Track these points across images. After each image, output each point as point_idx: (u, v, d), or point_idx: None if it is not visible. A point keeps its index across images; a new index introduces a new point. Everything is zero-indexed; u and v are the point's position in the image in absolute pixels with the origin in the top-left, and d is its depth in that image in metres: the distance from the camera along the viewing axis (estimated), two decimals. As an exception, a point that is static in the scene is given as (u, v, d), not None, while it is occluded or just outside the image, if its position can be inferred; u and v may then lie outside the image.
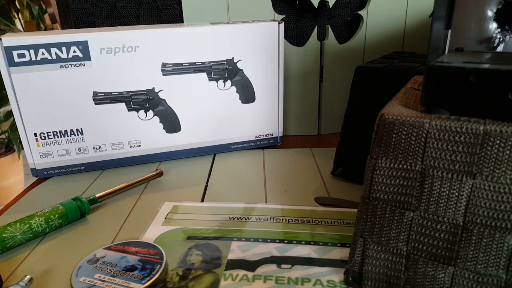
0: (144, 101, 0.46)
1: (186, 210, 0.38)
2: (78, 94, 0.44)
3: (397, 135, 0.24)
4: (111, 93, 0.45)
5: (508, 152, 0.22)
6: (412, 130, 0.24)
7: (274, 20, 0.48)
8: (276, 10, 0.54)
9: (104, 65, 0.43)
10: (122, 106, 0.45)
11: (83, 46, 0.42)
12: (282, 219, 0.36)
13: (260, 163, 0.48)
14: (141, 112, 0.46)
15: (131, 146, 0.47)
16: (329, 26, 0.53)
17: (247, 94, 0.49)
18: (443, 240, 0.24)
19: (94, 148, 0.46)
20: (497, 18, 0.35)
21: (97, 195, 0.39)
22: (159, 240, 0.33)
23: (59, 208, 0.36)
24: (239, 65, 0.48)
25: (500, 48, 0.35)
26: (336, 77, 0.55)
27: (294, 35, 0.55)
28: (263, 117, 0.51)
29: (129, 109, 0.46)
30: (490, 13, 0.35)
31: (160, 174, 0.44)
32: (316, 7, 0.53)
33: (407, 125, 0.24)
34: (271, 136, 0.52)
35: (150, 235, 0.34)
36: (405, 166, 0.24)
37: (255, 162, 0.49)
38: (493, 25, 0.35)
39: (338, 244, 0.32)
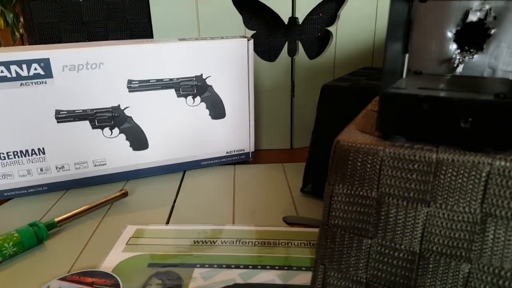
0: (109, 119, 0.44)
1: (150, 234, 0.37)
2: (40, 112, 0.42)
3: (353, 162, 0.24)
4: (74, 111, 0.43)
5: (460, 180, 0.22)
6: (367, 157, 0.23)
7: (243, 37, 0.48)
8: (247, 25, 0.53)
9: (67, 82, 0.42)
10: (86, 124, 0.44)
11: (45, 63, 0.41)
12: (249, 242, 0.35)
13: (230, 180, 0.48)
14: (106, 129, 0.45)
15: (95, 165, 0.46)
16: (299, 42, 0.54)
17: (217, 110, 0.49)
18: (401, 268, 0.24)
19: (56, 168, 0.45)
20: (457, 39, 0.36)
21: (56, 219, 0.37)
22: (118, 268, 0.32)
23: (14, 235, 0.34)
24: (208, 81, 0.47)
25: (460, 69, 0.36)
26: (308, 92, 0.55)
27: (266, 50, 0.55)
28: (234, 132, 0.50)
29: (94, 127, 0.44)
30: (449, 34, 0.36)
31: (125, 194, 0.42)
32: (286, 23, 0.53)
33: (362, 152, 0.24)
34: (242, 152, 0.52)
35: (110, 262, 0.33)
36: (361, 193, 0.24)
37: (226, 179, 0.48)
38: (453, 46, 0.36)
39: (303, 268, 0.31)
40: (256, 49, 0.54)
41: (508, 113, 0.21)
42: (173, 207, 0.42)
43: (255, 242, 0.35)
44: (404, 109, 0.23)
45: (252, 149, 0.52)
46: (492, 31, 0.34)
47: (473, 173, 0.21)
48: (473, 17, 0.34)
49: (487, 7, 0.34)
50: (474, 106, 0.21)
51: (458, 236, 0.22)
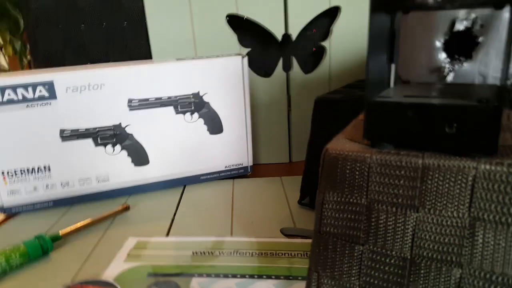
0: (111, 136, 0.46)
1: (150, 246, 0.37)
2: (45, 131, 0.44)
3: (342, 170, 0.24)
4: (77, 129, 0.45)
5: (447, 185, 0.22)
6: (355, 165, 0.24)
7: (238, 54, 0.49)
8: (241, 44, 0.55)
9: (70, 103, 0.44)
10: (89, 141, 0.45)
11: (49, 86, 0.43)
12: (246, 253, 0.35)
13: (229, 193, 0.48)
14: (109, 147, 0.46)
15: (99, 181, 0.47)
16: (294, 58, 0.55)
17: (214, 125, 0.50)
18: (393, 274, 0.24)
19: (61, 184, 0.46)
20: (446, 48, 0.36)
21: (61, 232, 0.38)
22: (119, 278, 0.32)
23: (20, 247, 0.35)
24: (205, 98, 0.48)
25: (450, 77, 0.36)
26: (304, 106, 0.56)
27: (261, 66, 0.57)
28: (232, 147, 0.51)
29: (96, 145, 0.45)
30: (438, 44, 0.36)
31: (127, 208, 0.43)
32: (280, 40, 0.54)
33: (350, 160, 0.24)
34: (241, 166, 0.53)
35: (111, 272, 0.33)
36: (351, 200, 0.24)
37: (225, 192, 0.48)
38: (443, 55, 0.36)
39: (300, 278, 0.32)
40: (251, 66, 0.56)
41: (490, 118, 0.21)
42: (173, 220, 0.42)
43: (252, 253, 0.35)
44: (390, 117, 0.24)
45: (251, 163, 0.53)
46: (480, 39, 0.35)
47: (460, 177, 0.22)
48: (460, 26, 0.35)
49: (473, 16, 0.35)
50: (457, 112, 0.22)
51: (448, 241, 0.22)
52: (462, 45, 0.36)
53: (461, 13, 0.35)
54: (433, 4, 0.21)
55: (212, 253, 0.36)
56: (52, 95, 0.43)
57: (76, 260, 0.36)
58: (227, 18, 0.53)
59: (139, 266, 0.34)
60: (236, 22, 0.54)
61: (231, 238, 0.38)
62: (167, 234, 0.39)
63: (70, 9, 0.52)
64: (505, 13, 0.34)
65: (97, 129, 0.45)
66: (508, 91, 0.40)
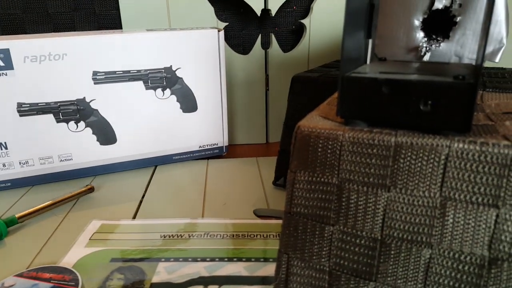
0: (74, 112, 0.43)
1: (115, 229, 0.35)
2: (1, 105, 0.40)
3: (313, 148, 0.23)
4: (37, 104, 0.41)
5: (419, 164, 0.21)
6: (327, 143, 0.23)
7: (213, 28, 0.47)
8: (219, 17, 0.52)
9: (29, 74, 0.40)
10: (50, 117, 0.42)
11: (4, 54, 0.39)
12: (217, 235, 0.34)
13: (202, 174, 0.47)
14: (71, 123, 0.43)
15: (61, 160, 0.44)
16: (273, 35, 0.53)
17: (188, 103, 0.48)
18: (363, 255, 0.23)
19: (20, 163, 0.43)
20: (424, 27, 0.36)
21: (17, 215, 0.36)
22: (79, 264, 0.31)
23: (-30, 232, 0.32)
24: (179, 73, 0.46)
25: (427, 57, 0.36)
26: (282, 85, 0.55)
27: (239, 43, 0.54)
28: (206, 126, 0.49)
29: (58, 121, 0.43)
30: (417, 23, 0.36)
31: (91, 190, 0.41)
32: (259, 15, 0.52)
33: (322, 138, 0.23)
34: (216, 146, 0.51)
35: (71, 258, 0.31)
36: (322, 180, 0.24)
37: (198, 173, 0.47)
38: (420, 34, 0.36)
39: (271, 260, 0.31)
40: (229, 42, 0.54)
41: (466, 94, 0.20)
42: (141, 202, 0.40)
43: (223, 235, 0.34)
44: (364, 93, 0.23)
45: (226, 143, 0.51)
46: (458, 19, 0.34)
47: (432, 156, 0.21)
48: (439, 5, 0.34)
49: (452, -5, 0.34)
50: (433, 88, 0.21)
51: (419, 221, 0.22)
52: (440, 25, 0.35)
53: (441, -10, 0.34)
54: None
55: (181, 236, 0.34)
56: (8, 65, 0.39)
57: (33, 246, 0.33)
58: (203, -11, 0.50)
59: (102, 251, 0.32)
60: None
61: (202, 220, 0.37)
62: (134, 217, 0.38)
63: (29, -28, 0.48)
64: (484, -7, 0.34)
65: (58, 104, 0.42)
66: (482, 72, 0.39)
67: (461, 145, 0.20)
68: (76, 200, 0.41)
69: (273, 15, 0.52)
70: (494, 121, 0.24)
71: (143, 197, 0.41)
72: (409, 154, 0.21)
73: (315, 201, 0.24)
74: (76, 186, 0.44)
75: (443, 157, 0.21)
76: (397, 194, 0.22)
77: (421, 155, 0.21)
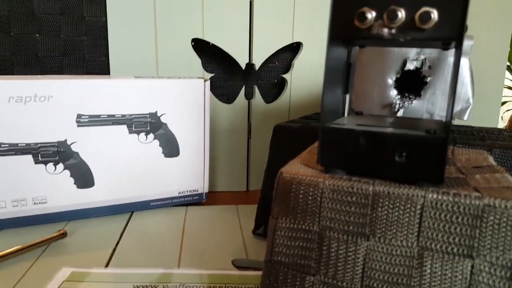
0: (54, 154, 0.42)
1: (85, 278, 0.33)
2: (-23, 144, 0.39)
3: (295, 194, 0.24)
4: (17, 144, 0.41)
5: (396, 213, 0.22)
6: (308, 189, 0.23)
7: (200, 78, 0.49)
8: (205, 69, 0.55)
9: (12, 114, 0.40)
10: (28, 158, 0.41)
11: (-12, 93, 0.39)
12: (193, 286, 0.33)
13: (180, 221, 0.46)
14: (50, 165, 0.42)
15: (35, 203, 0.42)
16: (256, 87, 0.56)
17: (171, 148, 0.48)
18: (344, 307, 0.23)
19: (-10, 205, 0.41)
20: (397, 86, 0.38)
21: (-20, 261, 0.33)
22: (42, 316, 0.28)
23: None
24: (163, 119, 0.47)
25: (400, 113, 0.38)
26: (264, 134, 0.56)
27: (225, 93, 0.56)
28: (187, 172, 0.49)
29: (36, 162, 0.42)
30: (390, 81, 0.38)
31: (63, 235, 0.39)
32: (243, 68, 0.55)
33: (304, 184, 0.23)
34: (195, 192, 0.50)
35: (34, 309, 0.29)
36: (303, 227, 0.24)
37: (176, 220, 0.46)
38: (394, 92, 0.38)
39: (249, 313, 0.29)
40: (214, 92, 0.56)
41: (438, 148, 0.22)
42: (115, 249, 0.39)
43: (199, 286, 0.33)
44: (343, 143, 0.24)
45: (206, 190, 0.51)
46: (428, 79, 0.37)
47: (408, 205, 0.22)
48: (410, 66, 0.37)
49: (422, 57, 0.37)
50: (407, 141, 0.22)
51: (397, 271, 0.22)
52: (412, 84, 0.38)
53: (412, 53, 0.38)
54: (387, 36, 0.21)
55: (155, 287, 0.33)
56: (-8, 105, 0.39)
57: (-5, 292, 0.31)
58: (193, 42, 0.53)
59: (70, 299, 0.30)
60: (202, 47, 0.54)
61: (178, 270, 0.35)
62: (107, 265, 0.36)
63: (25, 16, 0.49)
64: (450, 57, 0.37)
65: (38, 145, 0.41)
66: (453, 128, 0.42)
67: (435, 196, 0.21)
68: (47, 246, 0.39)
69: (256, 69, 0.55)
70: (465, 174, 0.25)
71: (117, 244, 0.40)
72: (387, 203, 0.22)
73: (296, 249, 0.24)
74: (48, 231, 0.42)
75: (418, 206, 0.22)
76: (376, 243, 0.22)
77: (397, 204, 0.22)
